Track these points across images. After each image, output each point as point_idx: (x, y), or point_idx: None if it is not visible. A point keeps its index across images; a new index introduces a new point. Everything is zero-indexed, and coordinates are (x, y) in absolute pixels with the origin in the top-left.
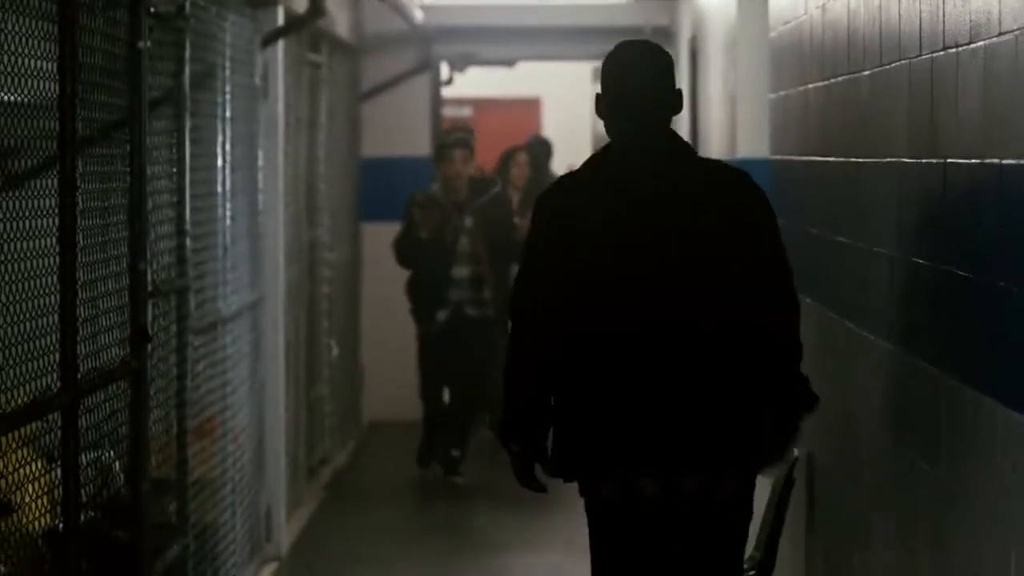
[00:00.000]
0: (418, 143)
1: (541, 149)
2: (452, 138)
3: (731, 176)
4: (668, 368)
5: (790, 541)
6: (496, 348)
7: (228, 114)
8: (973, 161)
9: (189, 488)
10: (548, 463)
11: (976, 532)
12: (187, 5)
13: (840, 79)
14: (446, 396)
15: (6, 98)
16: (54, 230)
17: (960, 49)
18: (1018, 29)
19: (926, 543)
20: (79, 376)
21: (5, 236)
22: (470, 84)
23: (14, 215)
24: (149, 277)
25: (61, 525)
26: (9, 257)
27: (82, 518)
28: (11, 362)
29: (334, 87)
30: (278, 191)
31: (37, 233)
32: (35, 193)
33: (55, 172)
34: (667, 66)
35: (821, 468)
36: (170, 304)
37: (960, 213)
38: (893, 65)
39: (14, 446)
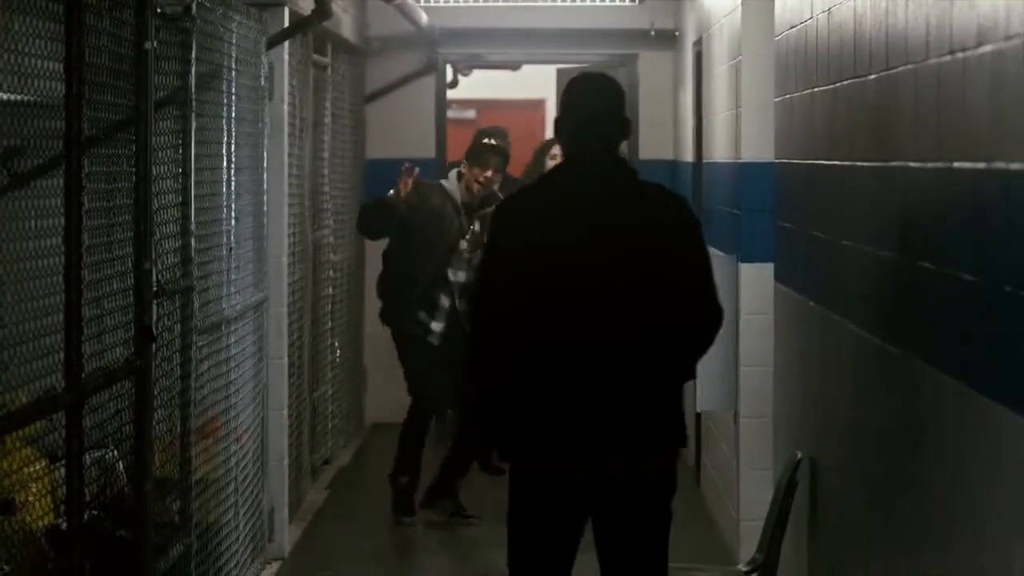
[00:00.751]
0: (423, 145)
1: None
2: (495, 145)
3: (666, 198)
4: (601, 363)
5: (792, 544)
6: None
7: (233, 115)
8: (980, 165)
9: (192, 488)
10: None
11: (981, 538)
12: (193, 6)
13: (846, 83)
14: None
15: (13, 98)
16: (59, 230)
17: (967, 53)
18: None
19: (930, 548)
20: (84, 375)
21: (11, 235)
22: (475, 86)
23: (20, 214)
24: (154, 277)
25: (64, 524)
26: (15, 256)
27: (85, 517)
28: (16, 361)
29: (339, 89)
30: (283, 192)
31: (43, 232)
32: (41, 193)
33: (61, 172)
34: (618, 96)
35: (824, 472)
36: (175, 304)
37: (966, 217)
38: (899, 69)
39: (18, 445)
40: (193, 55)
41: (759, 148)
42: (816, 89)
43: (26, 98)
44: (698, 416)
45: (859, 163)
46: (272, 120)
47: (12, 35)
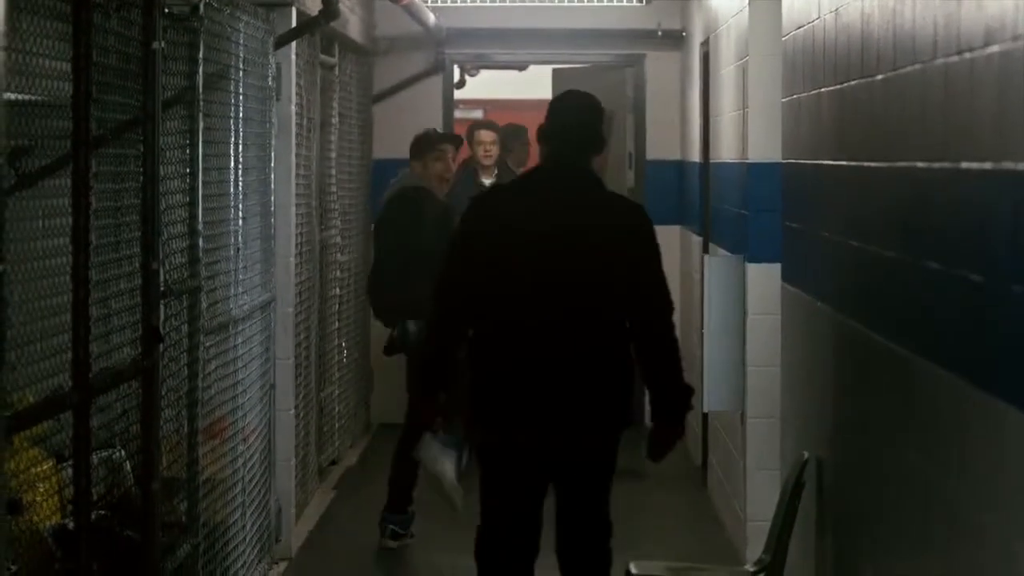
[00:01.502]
0: None
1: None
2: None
3: (624, 205)
4: (551, 349)
5: (800, 544)
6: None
7: (241, 115)
8: (987, 165)
9: (199, 488)
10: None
11: (988, 537)
12: (201, 6)
13: (853, 83)
14: None
15: (21, 97)
16: (67, 229)
17: (974, 53)
18: None
19: (937, 548)
20: (91, 375)
21: (19, 235)
22: (481, 86)
23: (28, 214)
24: (161, 277)
25: (71, 524)
26: (23, 256)
27: (92, 517)
28: (24, 361)
29: (346, 89)
30: (290, 192)
31: (50, 232)
32: (48, 192)
33: (68, 171)
34: (595, 112)
35: (831, 471)
36: (182, 304)
37: (974, 217)
38: (907, 69)
39: (25, 445)
40: (201, 55)
41: (766, 148)
42: (823, 89)
43: (34, 98)
44: (705, 416)
45: (866, 163)
46: (279, 120)
47: (20, 35)
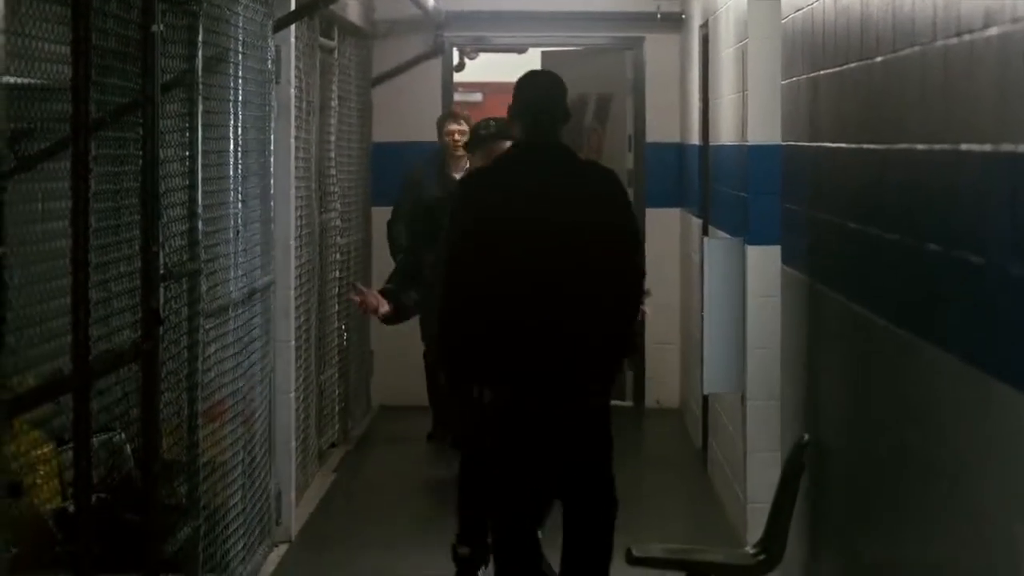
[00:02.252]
0: (429, 128)
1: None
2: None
3: (598, 173)
4: (548, 318)
5: (799, 526)
6: None
7: (240, 98)
8: (987, 147)
9: (200, 470)
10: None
11: (988, 521)
12: None
13: (853, 65)
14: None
15: (20, 81)
16: (67, 212)
17: (974, 35)
18: None
19: (936, 530)
20: (91, 358)
21: (18, 218)
22: (481, 69)
23: (27, 197)
24: (161, 260)
25: (72, 507)
26: (22, 239)
27: (93, 500)
28: (24, 343)
29: (346, 72)
30: (290, 175)
31: (50, 215)
32: (48, 175)
33: (68, 155)
34: (561, 87)
35: (831, 453)
36: (182, 287)
37: (973, 199)
38: (906, 51)
39: (26, 428)
40: (200, 38)
41: (766, 131)
42: (823, 72)
43: (33, 81)
44: (705, 399)
45: (866, 145)
46: (279, 103)
47: (19, 18)
